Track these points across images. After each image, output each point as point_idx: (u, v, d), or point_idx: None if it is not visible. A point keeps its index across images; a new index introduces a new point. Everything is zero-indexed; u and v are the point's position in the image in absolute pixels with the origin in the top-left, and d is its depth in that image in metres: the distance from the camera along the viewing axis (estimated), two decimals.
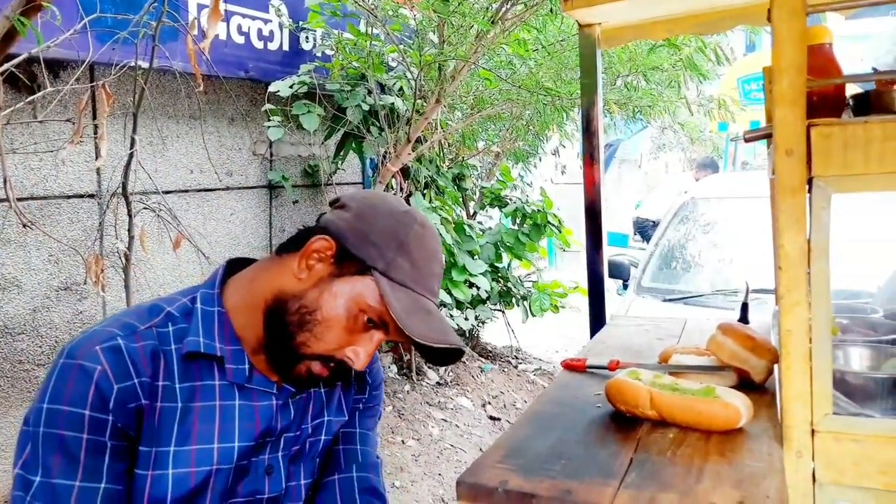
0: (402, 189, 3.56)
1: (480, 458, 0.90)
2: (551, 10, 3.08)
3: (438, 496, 2.93)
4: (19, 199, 1.80)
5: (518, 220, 4.13)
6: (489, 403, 3.83)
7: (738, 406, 0.94)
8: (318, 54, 3.34)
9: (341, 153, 3.54)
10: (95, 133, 2.45)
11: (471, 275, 3.61)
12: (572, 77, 3.34)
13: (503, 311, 4.30)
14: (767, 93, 1.22)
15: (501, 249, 4.06)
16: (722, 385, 1.04)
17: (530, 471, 0.85)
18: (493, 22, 2.90)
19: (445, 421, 3.50)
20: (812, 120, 0.85)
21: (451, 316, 3.59)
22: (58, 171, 2.52)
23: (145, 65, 2.24)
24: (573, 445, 0.93)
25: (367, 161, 3.92)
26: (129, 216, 2.38)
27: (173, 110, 2.91)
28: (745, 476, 0.83)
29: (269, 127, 3.05)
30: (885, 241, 2.55)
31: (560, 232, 4.13)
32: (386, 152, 3.33)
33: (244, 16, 3.00)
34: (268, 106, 3.03)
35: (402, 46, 3.09)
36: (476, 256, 3.85)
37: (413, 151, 3.29)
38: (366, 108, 3.27)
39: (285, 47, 3.23)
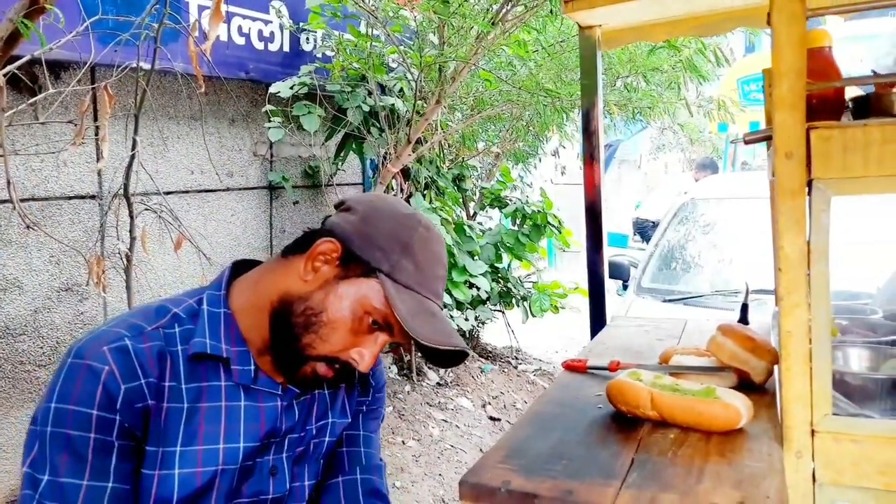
0: (402, 190, 3.57)
1: (482, 458, 0.91)
2: (551, 12, 3.09)
3: (439, 497, 2.93)
4: (21, 201, 1.80)
5: (518, 221, 4.13)
6: (489, 404, 3.83)
7: (739, 407, 0.95)
8: (319, 55, 3.35)
9: (342, 154, 3.55)
10: (96, 134, 2.45)
11: (471, 275, 3.61)
12: (572, 78, 3.35)
13: (503, 312, 4.30)
14: (767, 95, 1.23)
15: (501, 250, 4.06)
16: (722, 386, 1.04)
17: (532, 471, 0.86)
18: (493, 23, 2.91)
19: (446, 421, 3.51)
20: (812, 123, 0.86)
21: (452, 317, 3.59)
22: (59, 172, 2.52)
23: (147, 66, 2.24)
24: (574, 446, 0.94)
25: (368, 162, 3.93)
26: (131, 217, 2.39)
27: (174, 111, 2.92)
28: (746, 476, 0.84)
29: (269, 128, 3.06)
30: (884, 243, 2.55)
31: (560, 232, 4.14)
32: (386, 153, 3.33)
33: (245, 17, 3.00)
34: (268, 107, 3.03)
35: (402, 48, 3.09)
36: (476, 257, 3.86)
37: (413, 152, 3.30)
38: (366, 109, 3.28)
39: (286, 48, 3.23)
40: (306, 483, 0.99)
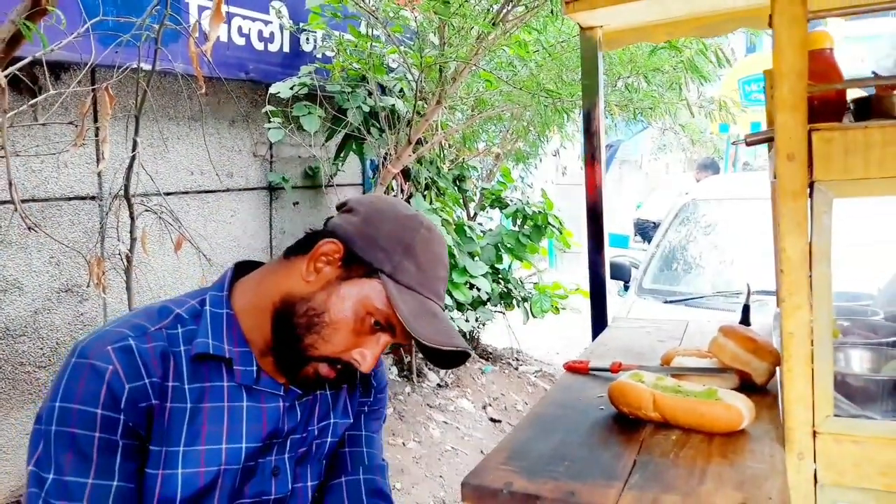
0: (402, 191, 3.57)
1: (484, 459, 0.91)
2: (552, 12, 3.09)
3: (439, 498, 2.93)
4: (21, 201, 1.80)
5: (519, 222, 4.13)
6: (490, 405, 3.83)
7: (740, 408, 0.95)
8: (319, 56, 3.35)
9: (342, 155, 3.55)
10: (96, 135, 2.45)
11: (471, 276, 3.61)
12: (573, 78, 3.35)
13: (504, 313, 4.30)
14: (769, 97, 1.23)
15: (502, 251, 4.06)
16: (724, 387, 1.05)
17: (534, 472, 0.86)
18: (493, 24, 2.91)
19: (446, 423, 3.51)
20: (813, 125, 0.86)
21: (452, 318, 3.59)
22: (59, 173, 2.52)
23: (147, 67, 2.24)
24: (577, 447, 0.94)
25: (368, 162, 3.93)
26: (132, 218, 2.39)
27: (174, 112, 2.92)
28: (748, 477, 0.84)
29: (269, 128, 3.06)
30: (885, 244, 2.55)
31: (561, 233, 4.14)
32: (386, 154, 3.33)
33: (245, 17, 3.00)
34: (268, 107, 3.03)
35: (402, 48, 3.09)
36: (476, 258, 3.86)
37: (414, 153, 3.30)
38: (366, 109, 3.28)
39: (286, 49, 3.23)
40: (309, 484, 0.99)
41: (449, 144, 4.10)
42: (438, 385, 3.86)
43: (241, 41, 3.00)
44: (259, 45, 3.09)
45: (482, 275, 3.68)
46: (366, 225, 0.91)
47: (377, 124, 3.37)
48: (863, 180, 0.86)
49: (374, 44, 3.15)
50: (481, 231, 4.05)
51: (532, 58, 3.24)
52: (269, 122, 3.05)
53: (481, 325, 4.32)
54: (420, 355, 3.84)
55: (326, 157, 3.57)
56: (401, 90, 3.46)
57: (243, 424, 0.90)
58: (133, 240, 2.42)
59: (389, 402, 3.49)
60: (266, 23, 3.11)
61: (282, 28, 3.17)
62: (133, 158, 2.30)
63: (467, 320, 3.82)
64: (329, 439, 1.01)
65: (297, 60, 3.27)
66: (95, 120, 2.40)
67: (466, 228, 3.80)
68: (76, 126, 1.87)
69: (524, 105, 3.46)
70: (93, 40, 1.94)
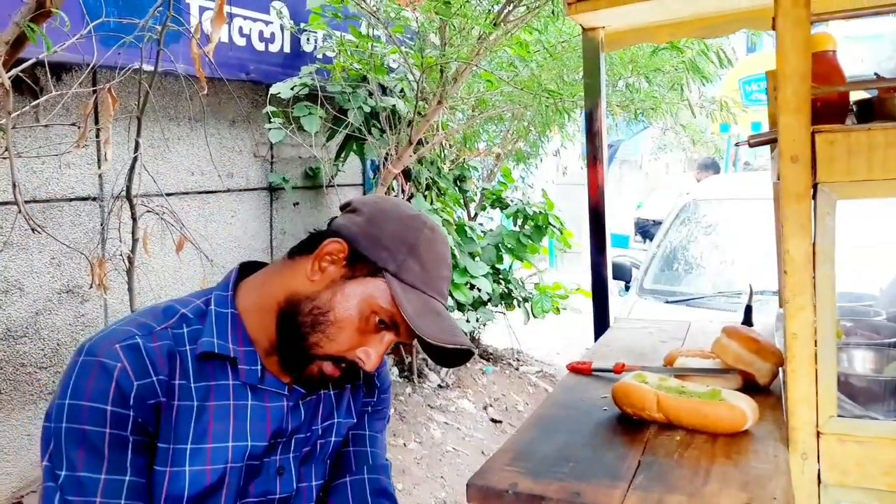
0: (403, 191, 3.57)
1: (489, 460, 0.92)
2: (553, 12, 3.09)
3: (440, 499, 2.93)
4: (23, 202, 1.80)
5: (519, 222, 4.13)
6: (491, 406, 3.83)
7: (744, 408, 0.96)
8: (320, 56, 3.35)
9: (342, 155, 3.55)
10: (97, 136, 2.45)
11: (472, 277, 3.61)
12: (574, 78, 3.35)
13: (504, 313, 4.30)
14: (771, 98, 1.23)
15: (503, 251, 4.06)
16: (727, 388, 1.05)
17: (539, 473, 0.86)
18: (495, 24, 2.91)
19: (447, 424, 3.51)
20: (816, 126, 0.86)
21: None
22: (60, 173, 2.53)
23: (149, 68, 2.25)
24: (581, 448, 0.94)
25: (369, 163, 3.93)
26: (133, 219, 2.39)
27: (174, 112, 2.92)
28: (752, 478, 0.84)
29: (270, 129, 3.06)
30: (887, 245, 2.56)
31: (561, 233, 4.14)
32: (387, 154, 3.33)
33: (245, 18, 3.01)
34: (269, 108, 3.03)
35: (403, 48, 3.10)
36: (477, 258, 3.86)
37: (414, 153, 3.30)
38: (367, 109, 3.28)
39: (286, 49, 3.23)
40: (313, 483, 1.00)
41: (450, 145, 4.11)
42: (439, 386, 3.86)
43: (241, 42, 3.00)
44: (260, 46, 3.09)
45: (483, 275, 3.68)
46: (370, 225, 0.92)
47: (378, 125, 3.37)
48: (866, 182, 0.86)
49: (374, 44, 3.15)
50: (482, 231, 4.05)
51: (533, 58, 3.24)
52: (270, 122, 3.06)
53: (482, 326, 4.33)
54: (421, 356, 3.84)
55: (327, 158, 3.57)
56: (402, 90, 3.47)
57: (248, 423, 0.91)
58: (134, 240, 2.43)
59: (391, 402, 3.49)
60: (267, 23, 3.11)
61: (282, 28, 3.17)
62: (135, 159, 2.30)
63: (468, 321, 3.82)
64: (333, 439, 1.02)
65: (297, 61, 3.27)
66: (97, 121, 2.40)
67: (467, 229, 3.80)
68: (78, 127, 1.87)
69: (525, 105, 3.46)
70: (95, 41, 1.94)
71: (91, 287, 2.34)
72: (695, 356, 1.22)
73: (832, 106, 0.95)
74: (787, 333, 0.89)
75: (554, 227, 4.09)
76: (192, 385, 0.88)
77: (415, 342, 0.95)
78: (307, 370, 0.91)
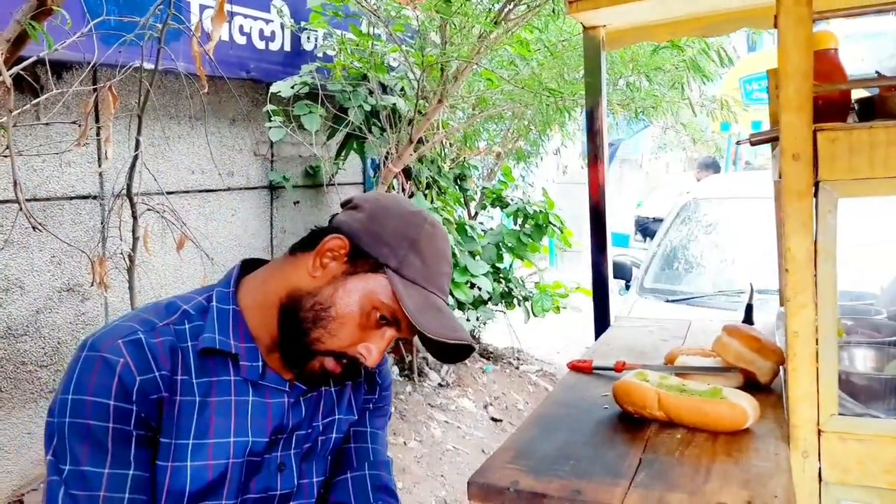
0: (403, 190, 3.57)
1: (490, 458, 0.92)
2: (553, 11, 3.09)
3: (441, 498, 2.93)
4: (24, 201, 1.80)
5: (519, 221, 4.13)
6: (491, 405, 3.84)
7: (745, 407, 0.96)
8: (320, 55, 3.35)
9: (343, 154, 3.55)
10: (98, 135, 2.45)
11: (472, 275, 3.61)
12: (574, 77, 3.35)
13: (504, 312, 4.31)
14: (773, 96, 1.23)
15: (503, 250, 4.06)
16: (728, 386, 1.05)
17: (540, 471, 0.86)
18: (495, 23, 2.91)
19: (447, 422, 3.51)
20: (818, 125, 0.86)
21: None
22: (61, 172, 2.53)
23: (150, 66, 2.24)
24: (582, 446, 0.94)
25: (369, 161, 3.93)
26: (134, 217, 2.39)
27: (175, 111, 2.92)
28: (753, 476, 0.84)
29: (270, 127, 3.05)
30: (888, 243, 2.56)
31: (562, 232, 4.14)
32: (388, 153, 3.33)
33: (246, 16, 3.00)
34: (269, 106, 3.03)
35: (404, 47, 3.09)
36: (477, 257, 3.86)
37: (415, 152, 3.30)
38: (367, 108, 3.28)
39: (287, 48, 3.23)
40: (314, 480, 1.00)
41: (450, 143, 4.10)
42: (439, 384, 3.86)
43: (242, 40, 2.99)
44: (260, 44, 3.09)
45: (483, 274, 3.68)
46: (371, 221, 0.93)
47: (378, 123, 3.37)
48: (868, 180, 0.86)
49: (375, 43, 3.14)
50: (482, 230, 4.05)
51: (534, 56, 3.24)
52: (270, 121, 3.05)
53: (482, 325, 4.33)
54: (421, 354, 3.84)
55: (327, 156, 3.57)
56: (402, 89, 3.46)
57: (249, 419, 0.91)
58: (135, 239, 2.42)
59: (392, 400, 3.49)
60: (267, 21, 3.11)
61: (283, 27, 3.17)
62: (136, 158, 2.30)
63: (468, 319, 3.82)
64: (334, 435, 1.02)
65: (298, 59, 3.27)
66: (97, 119, 2.40)
67: (467, 227, 3.80)
68: (79, 125, 1.87)
69: (526, 104, 3.46)
70: (95, 39, 1.94)
71: (92, 285, 2.34)
72: (695, 354, 1.23)
73: (834, 104, 0.95)
74: (788, 331, 0.89)
75: (554, 226, 4.09)
76: (194, 381, 0.89)
77: (415, 339, 0.95)
78: (309, 366, 0.91)
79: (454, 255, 3.55)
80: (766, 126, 1.52)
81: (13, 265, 2.41)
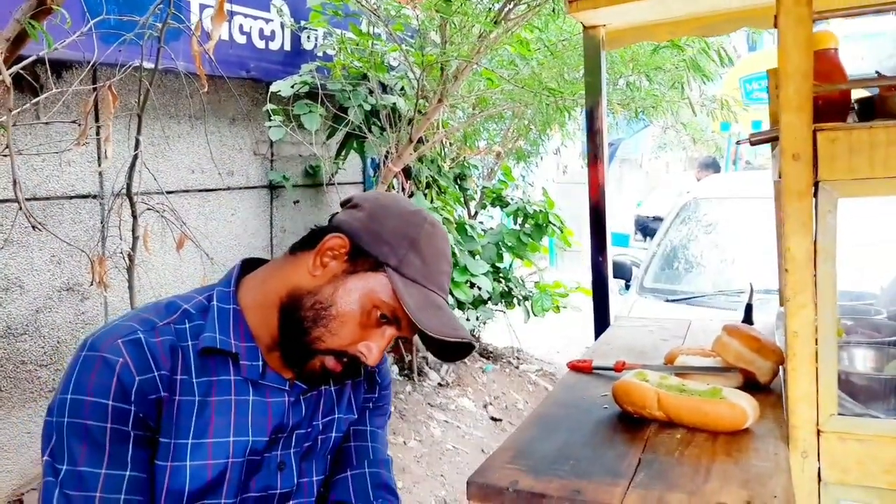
0: (403, 189, 3.57)
1: (489, 458, 0.92)
2: (554, 10, 3.09)
3: (440, 497, 2.94)
4: (24, 200, 1.80)
5: (519, 220, 4.13)
6: (491, 404, 3.84)
7: (745, 407, 0.96)
8: (320, 54, 3.34)
9: (343, 153, 3.55)
10: (97, 134, 2.45)
11: (472, 275, 3.61)
12: (574, 77, 3.35)
13: (504, 312, 4.31)
14: (773, 96, 1.23)
15: (503, 249, 4.06)
16: (728, 386, 1.05)
17: (540, 471, 0.86)
18: (495, 22, 2.91)
19: (447, 422, 3.51)
20: (818, 125, 0.86)
21: None
22: (60, 171, 2.52)
23: (149, 66, 2.24)
24: (581, 446, 0.94)
25: (369, 161, 3.93)
26: (134, 217, 2.39)
27: (175, 110, 2.92)
28: (752, 476, 0.84)
29: (270, 127, 3.05)
30: (888, 243, 2.56)
31: (562, 232, 4.14)
32: (387, 152, 3.33)
33: (246, 15, 3.00)
34: (269, 106, 3.03)
35: (404, 46, 3.09)
36: (477, 256, 3.86)
37: (415, 151, 3.30)
38: (367, 107, 3.28)
39: (287, 47, 3.23)
40: (314, 479, 1.00)
41: (450, 143, 4.10)
42: (439, 384, 3.86)
43: (242, 39, 2.99)
44: (260, 44, 3.09)
45: (483, 273, 3.68)
46: (371, 220, 0.93)
47: (378, 123, 3.37)
48: (867, 180, 0.86)
49: (375, 42, 3.14)
50: (482, 230, 4.05)
51: (534, 56, 3.24)
52: (270, 120, 3.05)
53: (482, 324, 4.33)
54: (421, 354, 3.84)
55: (327, 156, 3.57)
56: (402, 88, 3.46)
57: (249, 418, 0.91)
58: (135, 238, 2.42)
59: (391, 399, 3.49)
60: (267, 21, 3.11)
61: (283, 26, 3.17)
62: (135, 157, 2.30)
63: (468, 319, 3.82)
64: (334, 434, 1.02)
65: (298, 59, 3.27)
66: (97, 119, 2.40)
67: (467, 227, 3.80)
68: (79, 125, 1.87)
69: (525, 103, 3.46)
70: (95, 39, 1.94)
71: (91, 285, 2.34)
72: (695, 354, 1.23)
73: (834, 104, 0.95)
74: (787, 331, 0.89)
75: (554, 225, 4.09)
76: (194, 380, 0.89)
77: (415, 338, 0.95)
78: (309, 365, 0.92)
79: (454, 254, 3.55)
80: (766, 126, 1.52)
81: (13, 264, 2.41)
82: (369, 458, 1.06)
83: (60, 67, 2.43)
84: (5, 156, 1.55)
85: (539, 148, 5.02)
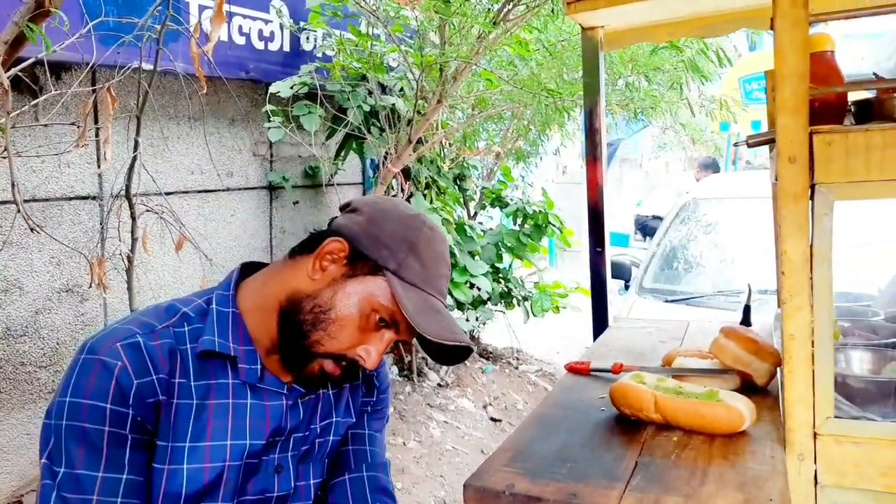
0: (403, 190, 3.57)
1: (487, 461, 0.92)
2: (553, 11, 3.09)
3: (440, 498, 2.94)
4: (23, 202, 1.80)
5: (519, 221, 4.13)
6: (490, 405, 3.84)
7: (741, 409, 0.96)
8: (319, 55, 3.35)
9: (342, 154, 3.55)
10: (97, 136, 2.45)
11: (472, 276, 3.61)
12: (573, 77, 3.35)
13: (504, 312, 4.31)
14: (770, 97, 1.23)
15: (502, 250, 4.06)
16: (725, 388, 1.05)
17: (536, 474, 0.86)
18: (494, 23, 2.91)
19: (446, 423, 3.51)
20: (814, 127, 0.86)
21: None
22: (60, 172, 2.53)
23: (148, 67, 2.24)
24: (578, 449, 0.94)
25: (368, 162, 3.93)
26: (133, 218, 2.39)
27: (174, 111, 2.92)
28: (749, 479, 0.84)
29: (269, 128, 3.05)
30: (886, 244, 2.56)
31: (561, 232, 4.14)
32: (387, 153, 3.33)
33: (245, 16, 3.00)
34: (268, 107, 3.03)
35: (403, 47, 3.09)
36: (477, 257, 3.86)
37: (414, 152, 3.30)
38: (367, 108, 3.28)
39: (286, 48, 3.23)
40: (311, 482, 1.00)
41: (449, 143, 4.10)
42: (439, 384, 3.86)
43: (241, 40, 2.99)
44: (259, 45, 3.09)
45: (482, 274, 3.68)
46: (370, 224, 0.93)
47: (377, 123, 3.37)
48: (864, 182, 0.86)
49: (374, 43, 3.14)
50: (482, 230, 4.05)
51: (533, 57, 3.24)
52: (270, 121, 3.05)
53: (482, 325, 4.33)
54: (420, 355, 3.84)
55: (327, 157, 3.57)
56: (401, 89, 3.46)
57: (247, 422, 0.92)
58: (134, 240, 2.43)
59: (390, 401, 3.49)
60: (266, 22, 3.11)
61: (282, 27, 3.17)
62: (134, 158, 2.30)
63: (467, 320, 3.82)
64: (331, 438, 1.02)
65: (297, 60, 3.27)
66: (96, 120, 2.40)
67: (467, 227, 3.80)
68: (78, 127, 1.88)
69: (525, 104, 3.46)
70: (94, 41, 1.94)
71: (90, 286, 2.34)
72: (693, 356, 1.22)
73: (830, 106, 0.95)
74: (784, 334, 0.89)
75: (554, 226, 4.09)
76: (192, 383, 0.89)
77: (414, 340, 0.96)
78: (308, 368, 0.92)
79: (453, 255, 3.55)
80: (765, 126, 1.52)
81: (12, 266, 2.41)
82: (367, 461, 1.07)
83: (59, 69, 2.43)
84: (4, 158, 1.55)
85: (538, 148, 5.02)
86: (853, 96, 1.01)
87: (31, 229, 1.51)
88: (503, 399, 3.94)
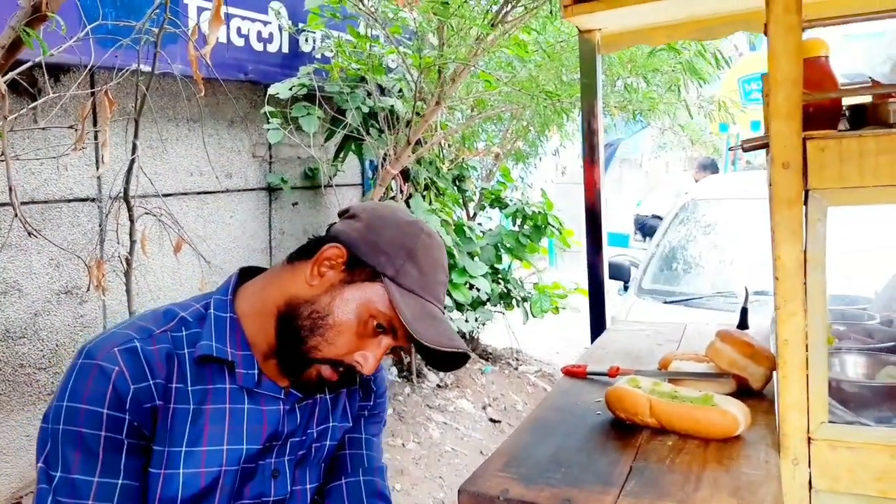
0: (401, 191, 3.57)
1: (482, 466, 0.92)
2: (551, 13, 3.09)
3: (439, 500, 2.94)
4: (21, 204, 1.81)
5: (518, 222, 4.13)
6: (489, 406, 3.84)
7: (736, 414, 0.96)
8: (318, 56, 3.35)
9: (341, 155, 3.55)
10: (95, 138, 2.46)
11: (471, 276, 3.61)
12: (572, 78, 3.35)
13: (503, 313, 4.31)
14: (765, 104, 1.23)
15: (502, 251, 4.06)
16: (721, 392, 1.05)
17: (531, 479, 0.86)
18: (493, 25, 2.91)
19: (446, 424, 3.51)
20: (808, 133, 0.86)
21: (452, 318, 3.59)
22: (58, 175, 2.53)
23: (147, 69, 2.25)
24: (574, 453, 0.94)
25: (367, 163, 3.93)
26: (131, 221, 2.39)
27: (173, 113, 2.92)
28: (743, 483, 0.84)
29: (268, 129, 3.06)
30: (882, 248, 2.55)
31: (560, 233, 4.14)
32: (386, 154, 3.33)
33: (244, 18, 3.00)
34: (267, 108, 3.03)
35: (401, 49, 3.09)
36: (476, 258, 3.86)
37: (413, 153, 3.30)
38: (365, 110, 3.28)
39: (285, 49, 3.23)
40: (308, 486, 1.00)
41: (448, 144, 4.10)
42: (438, 386, 3.87)
43: (239, 42, 3.00)
44: (258, 46, 3.09)
45: (482, 275, 3.68)
46: (369, 230, 0.94)
47: (376, 125, 3.37)
48: (857, 188, 0.86)
49: (373, 44, 3.15)
50: (481, 231, 4.05)
51: (531, 58, 3.24)
52: (268, 122, 3.05)
53: (481, 326, 4.33)
54: (422, 357, 3.84)
55: (325, 158, 3.57)
56: (400, 91, 3.47)
57: (244, 426, 0.92)
58: (132, 242, 2.43)
59: (389, 402, 3.50)
60: (265, 23, 3.11)
61: (281, 29, 3.17)
62: (133, 161, 2.30)
63: (467, 321, 3.82)
64: (328, 442, 1.03)
65: (296, 61, 3.27)
66: (95, 123, 2.40)
67: (466, 229, 3.80)
68: (76, 129, 1.88)
69: (523, 105, 3.46)
70: (92, 43, 1.94)
71: (89, 288, 2.35)
72: (689, 360, 1.23)
73: (824, 111, 0.95)
74: (778, 339, 0.89)
75: (553, 226, 4.10)
76: (189, 388, 0.89)
77: (412, 346, 0.96)
78: (305, 374, 0.92)
79: (452, 256, 3.55)
80: (763, 129, 1.52)
81: (11, 268, 2.41)
82: (364, 465, 1.07)
83: (57, 72, 2.43)
84: (1, 161, 1.56)
85: (537, 149, 5.02)
86: (848, 100, 1.01)
87: (29, 234, 1.52)
88: (502, 400, 3.94)
